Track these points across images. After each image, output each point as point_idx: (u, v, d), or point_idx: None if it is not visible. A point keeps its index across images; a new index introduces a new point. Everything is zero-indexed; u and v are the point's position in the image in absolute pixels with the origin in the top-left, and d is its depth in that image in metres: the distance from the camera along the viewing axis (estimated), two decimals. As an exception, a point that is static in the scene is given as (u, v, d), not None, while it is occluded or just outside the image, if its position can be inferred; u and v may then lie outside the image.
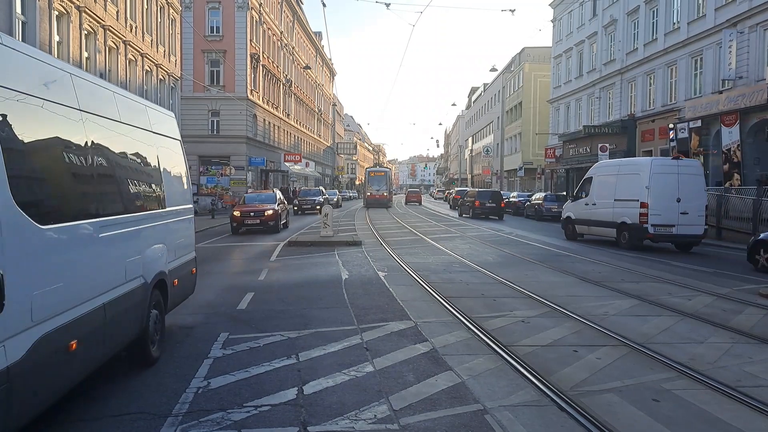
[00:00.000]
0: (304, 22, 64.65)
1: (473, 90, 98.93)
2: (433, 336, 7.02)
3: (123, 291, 5.26)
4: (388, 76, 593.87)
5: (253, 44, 43.05)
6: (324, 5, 26.11)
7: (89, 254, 4.67)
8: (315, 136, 72.07)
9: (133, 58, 25.62)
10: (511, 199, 39.10)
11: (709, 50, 25.58)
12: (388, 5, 26.02)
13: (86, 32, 21.16)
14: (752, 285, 10.97)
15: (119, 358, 5.67)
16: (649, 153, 29.79)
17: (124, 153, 5.72)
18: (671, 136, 26.87)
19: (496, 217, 31.95)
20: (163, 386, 5.38)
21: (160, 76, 29.59)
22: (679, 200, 16.24)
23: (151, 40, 28.16)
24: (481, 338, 6.90)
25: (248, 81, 41.91)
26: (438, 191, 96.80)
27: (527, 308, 8.62)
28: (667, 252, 16.89)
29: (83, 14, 20.61)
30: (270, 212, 22.03)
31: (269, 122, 48.85)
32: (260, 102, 45.39)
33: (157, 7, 28.90)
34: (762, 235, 13.62)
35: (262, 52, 45.82)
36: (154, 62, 28.26)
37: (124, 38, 24.39)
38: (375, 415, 4.66)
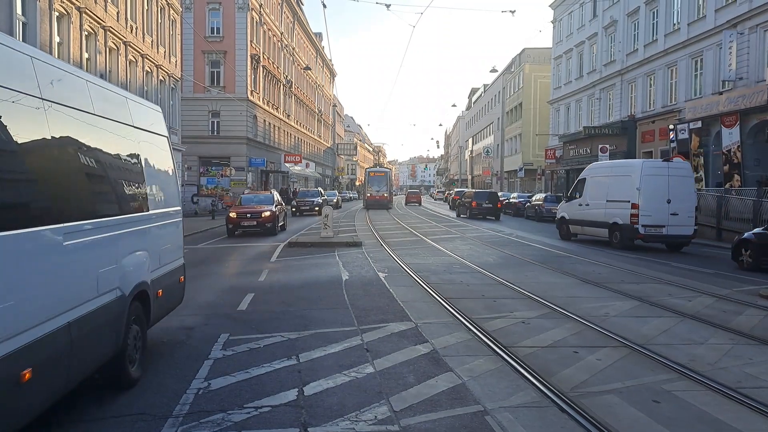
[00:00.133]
0: (305, 23, 64.69)
1: (473, 91, 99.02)
2: (433, 337, 7.02)
3: (94, 306, 4.65)
4: (389, 76, 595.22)
5: (253, 45, 43.07)
6: (324, 6, 26.22)
7: (51, 265, 4.05)
8: (315, 137, 72.08)
9: (133, 59, 25.64)
10: (511, 200, 39.13)
11: (709, 51, 25.59)
12: (388, 6, 26.06)
13: (87, 33, 21.19)
14: (751, 286, 10.97)
15: (92, 381, 5.07)
16: (649, 154, 29.80)
17: (97, 149, 5.10)
18: (671, 137, 26.89)
19: (493, 218, 32.13)
20: (163, 387, 5.39)
21: (161, 77, 29.61)
22: (669, 201, 16.42)
23: (152, 41, 28.19)
24: (482, 339, 6.90)
25: (248, 82, 41.92)
26: (438, 192, 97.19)
27: (527, 309, 8.63)
28: (659, 251, 16.98)
29: (84, 15, 20.64)
30: (267, 214, 21.37)
31: (269, 123, 48.86)
32: (260, 103, 45.41)
33: (157, 8, 28.93)
34: (746, 234, 13.63)
35: (263, 53, 45.83)
36: (154, 63, 28.29)
37: (125, 39, 24.41)
38: (375, 416, 4.66)
